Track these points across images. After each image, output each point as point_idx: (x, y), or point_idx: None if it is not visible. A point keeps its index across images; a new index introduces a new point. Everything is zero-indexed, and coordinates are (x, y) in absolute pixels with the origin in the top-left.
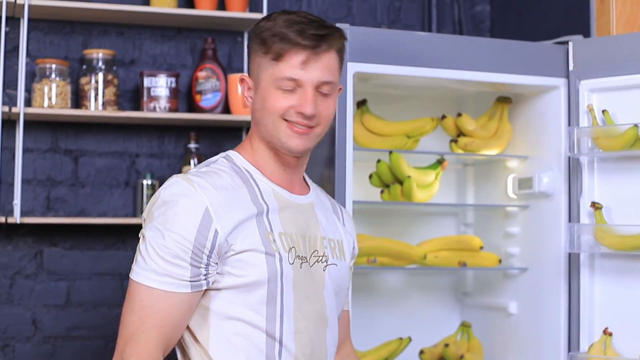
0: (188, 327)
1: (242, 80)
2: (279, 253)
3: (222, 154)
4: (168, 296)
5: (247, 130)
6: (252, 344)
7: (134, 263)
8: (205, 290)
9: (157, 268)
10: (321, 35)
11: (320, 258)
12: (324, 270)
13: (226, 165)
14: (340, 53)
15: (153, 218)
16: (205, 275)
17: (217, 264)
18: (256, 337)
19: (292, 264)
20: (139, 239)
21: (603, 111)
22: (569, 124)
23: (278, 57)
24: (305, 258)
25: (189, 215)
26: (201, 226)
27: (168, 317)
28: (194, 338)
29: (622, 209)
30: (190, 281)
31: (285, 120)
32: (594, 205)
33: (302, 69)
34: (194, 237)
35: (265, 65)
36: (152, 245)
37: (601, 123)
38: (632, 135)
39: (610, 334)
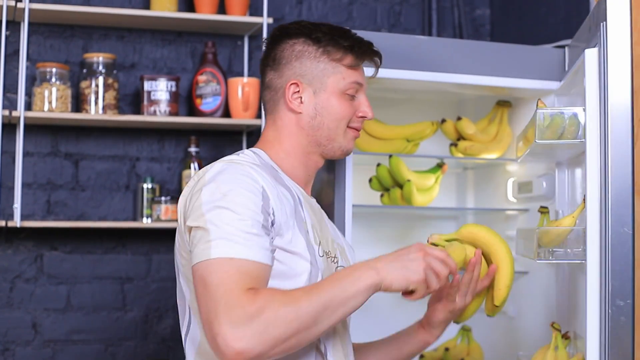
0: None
1: (295, 84)
2: (313, 245)
3: (247, 150)
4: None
5: (248, 133)
6: None
7: (197, 246)
8: None
9: (239, 238)
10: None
11: (333, 259)
12: (336, 270)
13: (255, 158)
14: None
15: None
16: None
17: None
18: None
19: (322, 257)
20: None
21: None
22: None
23: (354, 65)
24: (328, 253)
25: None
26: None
27: None
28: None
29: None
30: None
31: (348, 125)
32: (540, 209)
33: (362, 73)
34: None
35: (331, 70)
36: (226, 223)
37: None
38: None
39: (566, 338)
